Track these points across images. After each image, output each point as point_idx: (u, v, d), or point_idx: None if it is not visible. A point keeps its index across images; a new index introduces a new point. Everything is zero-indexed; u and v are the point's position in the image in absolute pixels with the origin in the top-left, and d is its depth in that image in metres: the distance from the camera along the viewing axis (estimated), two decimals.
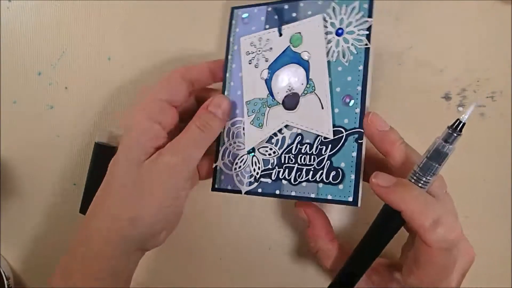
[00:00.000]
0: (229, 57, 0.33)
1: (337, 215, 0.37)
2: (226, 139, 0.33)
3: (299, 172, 0.30)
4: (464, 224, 0.39)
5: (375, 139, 0.28)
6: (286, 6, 0.32)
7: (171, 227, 0.32)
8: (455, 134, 0.25)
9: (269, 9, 0.33)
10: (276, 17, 0.32)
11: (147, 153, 0.29)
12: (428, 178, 0.26)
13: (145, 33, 0.37)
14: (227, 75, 0.33)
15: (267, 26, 0.33)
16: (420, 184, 0.26)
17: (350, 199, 0.28)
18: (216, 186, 0.33)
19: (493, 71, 0.37)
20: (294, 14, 0.32)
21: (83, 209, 0.37)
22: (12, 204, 0.38)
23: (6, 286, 0.36)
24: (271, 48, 0.32)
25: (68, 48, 0.37)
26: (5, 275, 0.36)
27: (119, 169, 0.30)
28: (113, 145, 0.37)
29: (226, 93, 0.33)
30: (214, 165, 0.33)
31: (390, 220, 0.27)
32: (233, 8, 0.34)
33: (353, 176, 0.28)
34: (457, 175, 0.37)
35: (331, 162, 0.29)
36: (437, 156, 0.25)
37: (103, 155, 0.36)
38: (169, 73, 0.32)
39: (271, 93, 0.32)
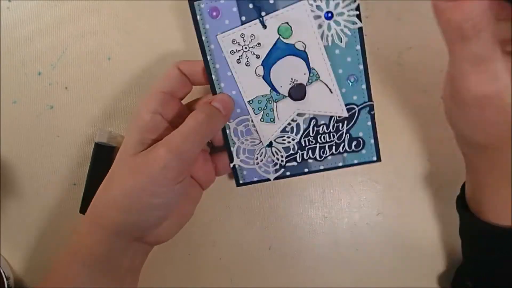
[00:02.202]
0: (208, 58, 0.31)
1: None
2: (235, 139, 0.33)
3: (322, 149, 0.33)
4: None
5: None
6: None
7: (177, 223, 0.32)
8: None
9: None
10: (251, 6, 0.30)
11: (144, 144, 0.30)
12: None
13: (145, 33, 0.37)
14: (213, 77, 0.32)
15: (244, 18, 0.30)
16: None
17: (374, 158, 0.34)
18: (240, 182, 0.35)
19: None
20: (271, 1, 0.30)
21: (83, 209, 0.37)
22: (12, 204, 0.38)
23: (6, 286, 0.36)
24: (259, 44, 0.31)
25: (68, 48, 0.37)
26: (5, 275, 0.36)
27: (118, 160, 0.31)
28: (113, 145, 0.37)
29: None
30: (231, 165, 0.34)
31: None
32: (191, 1, 0.30)
33: (372, 141, 0.33)
34: (458, 175, 0.37)
35: (350, 135, 0.33)
36: None
37: (103, 155, 0.36)
38: (169, 67, 0.32)
39: (273, 88, 0.32)
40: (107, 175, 0.31)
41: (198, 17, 0.30)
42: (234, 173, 0.34)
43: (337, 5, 0.30)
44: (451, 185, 0.33)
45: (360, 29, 0.30)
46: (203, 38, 0.31)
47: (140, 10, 0.37)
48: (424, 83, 0.37)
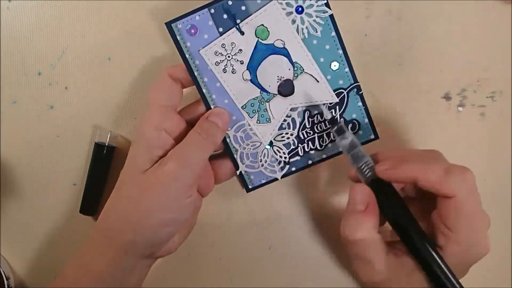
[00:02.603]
0: (196, 73, 0.32)
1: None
2: (237, 146, 0.34)
3: (321, 138, 0.34)
4: None
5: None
6: (230, 2, 0.31)
7: (183, 235, 0.33)
8: (336, 127, 0.31)
9: (212, 11, 0.31)
10: (225, 16, 0.31)
11: (152, 161, 0.30)
12: (366, 161, 0.29)
13: (145, 33, 0.37)
14: (204, 91, 0.33)
15: (221, 29, 0.31)
16: (368, 168, 0.29)
17: (372, 136, 0.34)
18: (250, 187, 0.35)
19: (493, 71, 0.37)
20: (243, 8, 0.31)
21: (83, 209, 0.37)
22: (12, 204, 0.38)
23: (6, 286, 0.36)
24: (240, 50, 0.32)
25: (68, 48, 0.37)
26: (5, 275, 0.36)
27: (126, 178, 0.31)
28: (113, 145, 0.37)
29: (212, 108, 0.33)
30: (238, 172, 0.34)
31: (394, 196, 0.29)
32: (168, 24, 0.31)
33: (366, 120, 0.34)
34: None
35: (345, 119, 0.34)
36: (351, 147, 0.30)
37: (103, 155, 0.36)
38: (160, 77, 0.32)
39: (262, 89, 0.33)
40: (115, 188, 0.31)
41: (178, 37, 0.32)
42: (242, 180, 0.35)
43: None
44: None
45: (331, 16, 0.32)
46: (187, 56, 0.32)
47: (140, 10, 0.37)
48: (424, 83, 0.37)
